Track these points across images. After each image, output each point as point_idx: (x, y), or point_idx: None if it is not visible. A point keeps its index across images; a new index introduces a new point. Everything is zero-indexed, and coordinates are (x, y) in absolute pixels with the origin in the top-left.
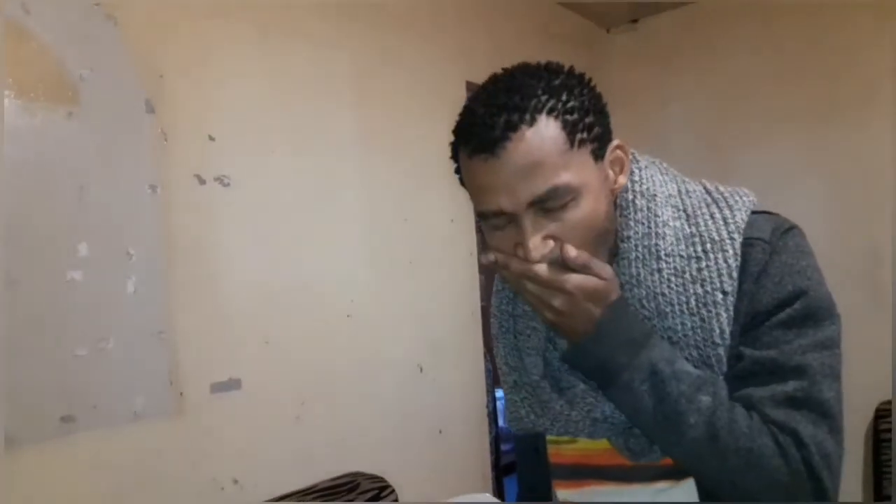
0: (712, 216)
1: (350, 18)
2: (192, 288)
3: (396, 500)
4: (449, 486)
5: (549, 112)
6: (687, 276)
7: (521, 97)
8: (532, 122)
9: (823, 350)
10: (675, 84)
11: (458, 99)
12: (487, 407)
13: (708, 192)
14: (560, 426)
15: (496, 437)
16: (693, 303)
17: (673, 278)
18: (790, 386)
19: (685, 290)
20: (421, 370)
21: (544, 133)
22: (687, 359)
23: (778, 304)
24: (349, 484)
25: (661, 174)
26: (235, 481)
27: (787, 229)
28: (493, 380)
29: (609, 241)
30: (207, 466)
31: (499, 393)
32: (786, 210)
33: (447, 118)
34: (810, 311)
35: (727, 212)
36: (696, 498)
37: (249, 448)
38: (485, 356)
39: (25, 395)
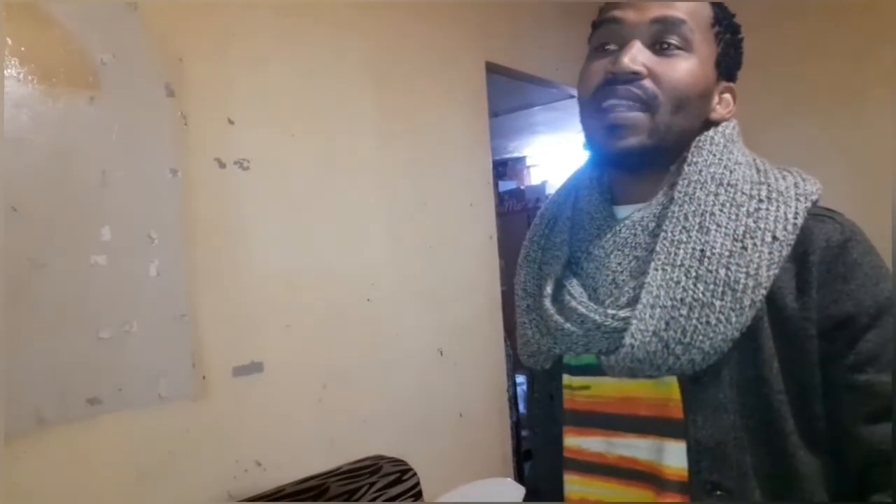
0: (784, 177)
1: (368, 0)
2: (214, 271)
3: (418, 483)
4: (470, 469)
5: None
6: (743, 210)
7: None
8: None
9: None
10: None
11: (477, 80)
12: (508, 391)
13: (780, 168)
14: (562, 343)
15: (517, 422)
16: (740, 231)
17: (728, 205)
18: None
19: (736, 218)
20: (441, 354)
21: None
22: (709, 271)
23: (878, 310)
24: (371, 467)
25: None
26: (258, 463)
27: (855, 228)
28: (513, 364)
29: (686, 131)
30: (230, 449)
31: (519, 378)
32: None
33: (467, 100)
34: None
35: (798, 178)
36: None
37: (272, 431)
38: (505, 340)
39: (53, 376)
